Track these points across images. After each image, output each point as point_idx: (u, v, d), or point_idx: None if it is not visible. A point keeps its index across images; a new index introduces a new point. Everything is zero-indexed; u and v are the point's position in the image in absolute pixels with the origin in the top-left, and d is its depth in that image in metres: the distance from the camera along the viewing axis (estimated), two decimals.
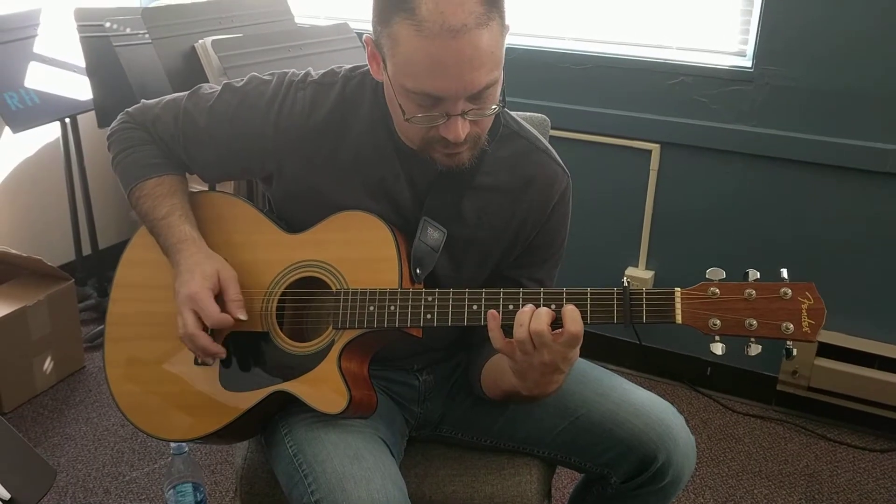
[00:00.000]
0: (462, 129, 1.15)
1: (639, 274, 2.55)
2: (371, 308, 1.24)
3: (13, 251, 2.51)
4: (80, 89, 2.68)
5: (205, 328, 1.28)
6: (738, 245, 2.42)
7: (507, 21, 1.15)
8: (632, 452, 1.32)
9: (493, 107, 1.17)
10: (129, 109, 1.44)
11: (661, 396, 1.39)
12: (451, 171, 1.26)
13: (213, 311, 1.26)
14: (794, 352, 1.12)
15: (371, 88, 1.30)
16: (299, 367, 1.28)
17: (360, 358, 1.30)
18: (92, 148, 2.82)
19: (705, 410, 2.50)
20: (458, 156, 1.21)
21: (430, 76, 1.11)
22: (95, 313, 2.89)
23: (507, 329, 1.16)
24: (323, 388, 1.25)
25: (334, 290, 1.28)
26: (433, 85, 1.12)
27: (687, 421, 1.38)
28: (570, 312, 1.13)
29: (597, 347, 2.55)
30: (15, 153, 2.82)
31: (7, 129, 2.56)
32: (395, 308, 1.23)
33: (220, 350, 1.29)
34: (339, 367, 1.25)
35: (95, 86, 2.62)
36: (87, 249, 2.94)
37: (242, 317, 1.28)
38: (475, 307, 1.20)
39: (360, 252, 1.29)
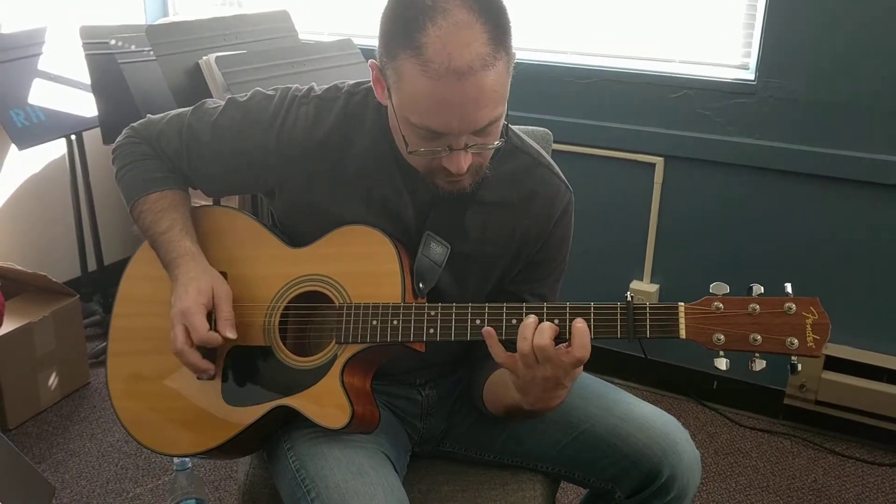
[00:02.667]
0: (464, 161, 1.16)
1: (644, 288, 2.54)
2: (374, 322, 1.24)
3: (18, 267, 2.51)
4: (85, 106, 2.70)
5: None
6: (744, 258, 2.41)
7: (514, 51, 1.15)
8: (636, 467, 1.31)
9: (496, 142, 1.19)
10: (133, 124, 1.45)
11: (667, 410, 1.38)
12: None
13: (201, 329, 1.26)
14: (799, 367, 1.11)
15: (373, 105, 1.30)
16: (302, 381, 1.27)
17: (362, 373, 1.29)
18: (97, 164, 2.84)
19: (712, 424, 2.49)
20: (459, 183, 1.22)
21: (434, 114, 1.12)
22: (100, 329, 2.89)
23: (510, 344, 1.16)
24: (325, 403, 1.24)
25: (337, 304, 1.28)
26: (436, 122, 1.12)
27: (693, 435, 1.37)
28: (580, 337, 1.12)
29: (602, 361, 2.53)
30: (21, 170, 2.83)
31: (13, 146, 2.57)
32: (398, 322, 1.23)
33: (209, 366, 1.29)
34: (342, 382, 1.24)
35: (100, 102, 2.64)
36: (92, 265, 2.95)
37: (231, 335, 1.28)
38: (478, 321, 1.20)
39: (362, 266, 1.29)
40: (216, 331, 1.28)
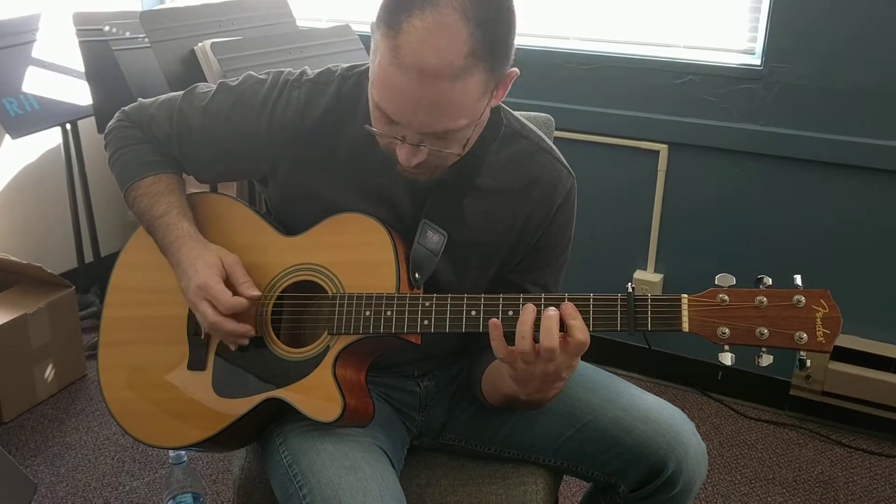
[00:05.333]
0: (412, 156, 1.13)
1: (647, 277, 2.51)
2: (367, 313, 1.21)
3: (13, 258, 2.48)
4: (79, 94, 2.66)
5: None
6: (749, 247, 2.37)
7: (514, 67, 1.12)
8: (640, 460, 1.28)
9: (456, 152, 1.14)
10: (125, 108, 1.43)
11: (671, 402, 1.35)
12: (451, 173, 1.23)
13: (225, 297, 1.23)
14: (808, 363, 1.07)
15: (367, 88, 1.26)
16: (293, 373, 1.24)
17: (356, 365, 1.26)
18: (93, 153, 2.80)
19: (716, 416, 2.46)
20: (413, 174, 1.19)
21: (391, 99, 1.09)
22: (97, 321, 2.83)
23: (508, 336, 1.12)
24: (317, 396, 1.21)
25: (330, 294, 1.24)
26: (390, 108, 1.10)
27: (698, 427, 1.34)
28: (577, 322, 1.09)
29: (605, 352, 2.49)
30: (15, 159, 2.80)
31: (6, 136, 2.54)
32: (392, 313, 1.20)
33: (249, 328, 1.25)
34: (334, 374, 1.21)
35: (95, 90, 2.60)
36: (89, 256, 2.92)
37: (255, 294, 1.25)
38: (473, 313, 1.17)
39: (356, 255, 1.25)
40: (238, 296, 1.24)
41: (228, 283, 1.26)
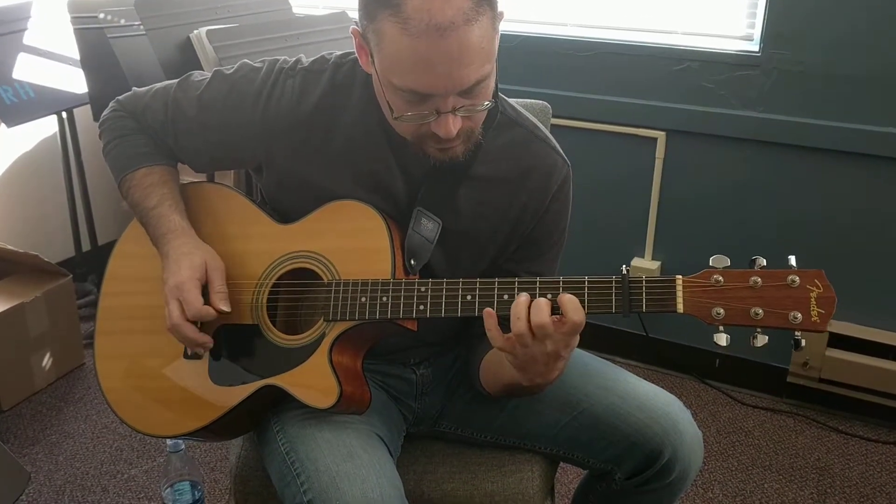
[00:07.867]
0: (453, 125, 1.12)
1: (645, 265, 2.51)
2: (363, 299, 1.20)
3: (9, 247, 2.48)
4: (75, 82, 2.65)
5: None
6: (747, 234, 2.37)
7: (500, 8, 1.11)
8: (636, 448, 1.28)
9: (486, 102, 1.14)
10: (119, 98, 1.42)
11: (668, 389, 1.35)
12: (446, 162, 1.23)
13: (195, 303, 1.23)
14: (803, 343, 1.07)
15: (361, 76, 1.26)
16: (289, 360, 1.24)
17: (352, 351, 1.26)
18: (89, 142, 2.79)
19: (714, 403, 2.46)
20: (450, 150, 1.18)
21: (418, 74, 1.08)
22: (95, 309, 2.85)
23: (504, 319, 1.12)
24: (313, 383, 1.21)
25: (326, 281, 1.24)
26: (421, 83, 1.08)
27: (695, 414, 1.34)
28: (570, 302, 1.09)
29: (602, 340, 2.51)
30: (11, 148, 2.80)
31: (2, 124, 2.53)
32: (388, 299, 1.19)
33: (207, 340, 1.26)
34: (330, 361, 1.21)
35: (90, 78, 2.59)
36: (86, 245, 2.92)
37: (225, 308, 1.25)
38: (469, 297, 1.16)
39: (352, 242, 1.25)
40: (210, 305, 1.25)
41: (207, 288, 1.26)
